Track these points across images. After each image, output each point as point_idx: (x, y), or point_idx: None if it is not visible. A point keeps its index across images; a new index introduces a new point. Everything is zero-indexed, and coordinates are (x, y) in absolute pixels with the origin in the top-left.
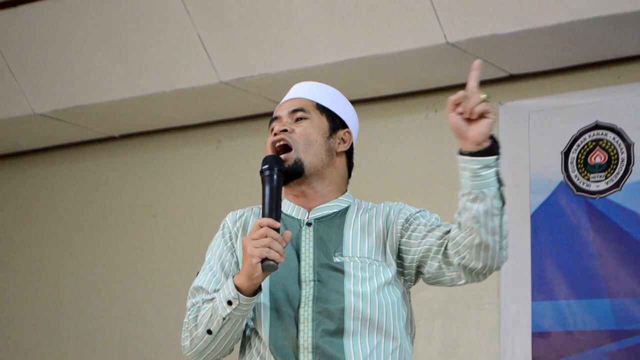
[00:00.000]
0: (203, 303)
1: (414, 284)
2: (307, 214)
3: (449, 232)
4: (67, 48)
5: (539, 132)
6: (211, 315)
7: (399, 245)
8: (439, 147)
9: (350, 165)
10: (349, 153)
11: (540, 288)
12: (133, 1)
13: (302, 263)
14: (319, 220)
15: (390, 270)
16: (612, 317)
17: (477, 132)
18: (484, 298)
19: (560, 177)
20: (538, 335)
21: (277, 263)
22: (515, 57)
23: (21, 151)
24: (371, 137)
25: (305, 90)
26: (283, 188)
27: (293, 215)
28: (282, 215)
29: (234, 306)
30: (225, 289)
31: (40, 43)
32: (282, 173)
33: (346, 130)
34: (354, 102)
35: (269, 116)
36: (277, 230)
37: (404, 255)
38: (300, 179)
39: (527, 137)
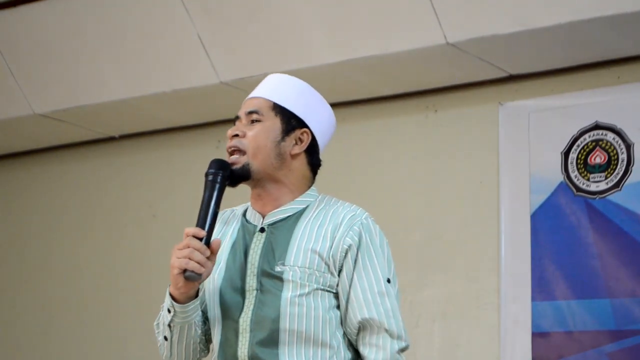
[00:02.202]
0: (162, 310)
1: None
2: (262, 220)
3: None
4: (67, 48)
5: (539, 132)
6: (162, 322)
7: (340, 264)
8: (439, 147)
9: (314, 164)
10: (311, 151)
11: (540, 288)
12: (133, 1)
13: (248, 271)
14: (272, 225)
15: (330, 280)
16: (612, 317)
17: None
18: (484, 298)
19: (560, 177)
20: (538, 335)
21: (198, 274)
22: (515, 57)
23: (21, 151)
24: (371, 137)
25: (267, 88)
26: (251, 191)
27: (251, 221)
28: (243, 222)
29: (172, 314)
30: (166, 299)
31: (40, 43)
32: (225, 178)
33: (303, 130)
34: (354, 102)
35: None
36: (203, 239)
37: (338, 278)
38: (253, 182)
39: (527, 137)
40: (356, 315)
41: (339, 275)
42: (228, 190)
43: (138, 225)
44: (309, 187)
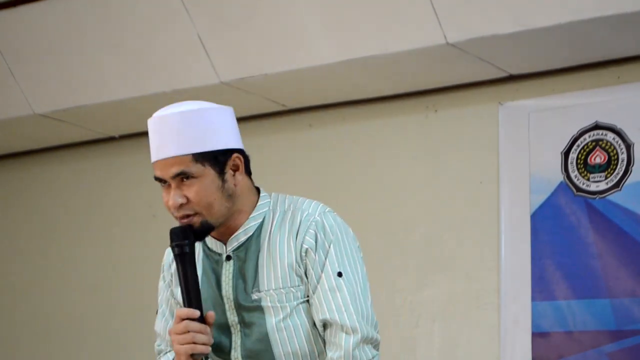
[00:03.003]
0: (161, 358)
1: None
2: (224, 247)
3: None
4: (67, 48)
5: (539, 132)
6: None
7: (304, 269)
8: (439, 147)
9: (248, 169)
10: (244, 162)
11: (540, 288)
12: (133, 1)
13: (226, 306)
14: (236, 250)
15: (304, 289)
16: (612, 317)
17: None
18: (484, 298)
19: (560, 177)
20: (538, 335)
21: (205, 354)
22: (515, 57)
23: (21, 151)
24: (371, 137)
25: (173, 141)
26: None
27: (214, 249)
28: (207, 250)
29: None
30: None
31: (40, 43)
32: (192, 244)
33: (234, 156)
34: (354, 102)
35: (269, 116)
36: (200, 317)
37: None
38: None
39: (527, 137)
40: (317, 317)
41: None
42: None
43: (138, 225)
44: (256, 193)
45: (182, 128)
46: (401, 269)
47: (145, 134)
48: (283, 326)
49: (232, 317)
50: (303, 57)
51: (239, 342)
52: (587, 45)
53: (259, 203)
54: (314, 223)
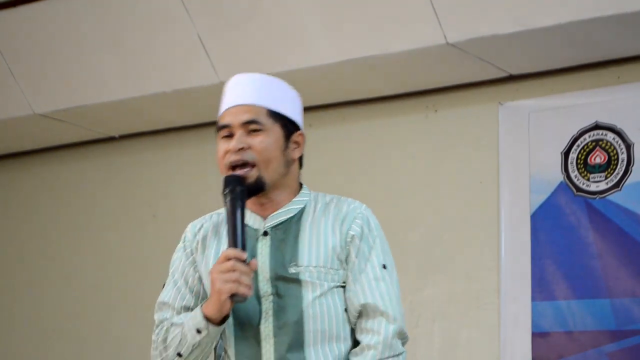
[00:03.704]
0: (172, 326)
1: None
2: (263, 223)
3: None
4: (67, 48)
5: (539, 132)
6: (181, 340)
7: (346, 255)
8: (439, 147)
9: (301, 161)
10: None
11: (540, 288)
12: (133, 1)
13: (260, 277)
14: (275, 228)
15: (342, 275)
16: (612, 317)
17: None
18: (484, 298)
19: (560, 177)
20: (538, 335)
21: (246, 297)
22: (515, 57)
23: (21, 151)
24: (371, 137)
25: (253, 92)
26: None
27: (250, 224)
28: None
29: (202, 335)
30: (193, 318)
31: (40, 43)
32: (244, 193)
33: (299, 132)
34: (354, 102)
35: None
36: (244, 260)
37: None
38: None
39: (527, 137)
40: (355, 302)
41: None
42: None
43: (138, 225)
44: (300, 185)
45: (263, 85)
46: (401, 269)
47: (145, 134)
48: (318, 303)
49: (266, 288)
50: (303, 57)
51: (270, 312)
52: (587, 45)
53: (301, 191)
54: (360, 215)
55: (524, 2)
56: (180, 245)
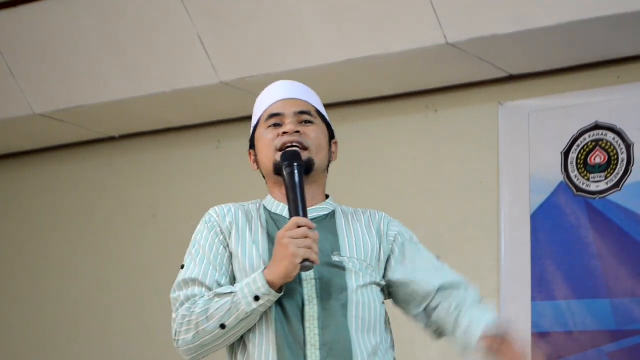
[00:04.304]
0: (215, 296)
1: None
2: None
3: (440, 289)
4: (67, 48)
5: (539, 132)
6: (229, 309)
7: (388, 258)
8: (439, 147)
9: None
10: None
11: (540, 288)
12: (133, 1)
13: None
14: (312, 220)
15: (378, 276)
16: (612, 317)
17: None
18: (484, 298)
19: (560, 177)
20: (538, 335)
21: (313, 265)
22: (515, 57)
23: (21, 151)
24: (371, 137)
25: (303, 92)
26: (273, 183)
27: (284, 214)
28: (273, 215)
29: (261, 302)
30: (252, 285)
31: (40, 43)
32: (302, 167)
33: (334, 141)
34: (354, 102)
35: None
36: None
37: (387, 272)
38: (305, 178)
39: (527, 137)
40: (430, 285)
41: (385, 268)
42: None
43: (138, 226)
44: (326, 195)
45: (310, 91)
46: None
47: (145, 134)
48: (361, 292)
49: (308, 272)
50: (303, 57)
51: (314, 296)
52: (587, 45)
53: (329, 199)
54: (392, 221)
55: (524, 2)
56: (204, 226)
